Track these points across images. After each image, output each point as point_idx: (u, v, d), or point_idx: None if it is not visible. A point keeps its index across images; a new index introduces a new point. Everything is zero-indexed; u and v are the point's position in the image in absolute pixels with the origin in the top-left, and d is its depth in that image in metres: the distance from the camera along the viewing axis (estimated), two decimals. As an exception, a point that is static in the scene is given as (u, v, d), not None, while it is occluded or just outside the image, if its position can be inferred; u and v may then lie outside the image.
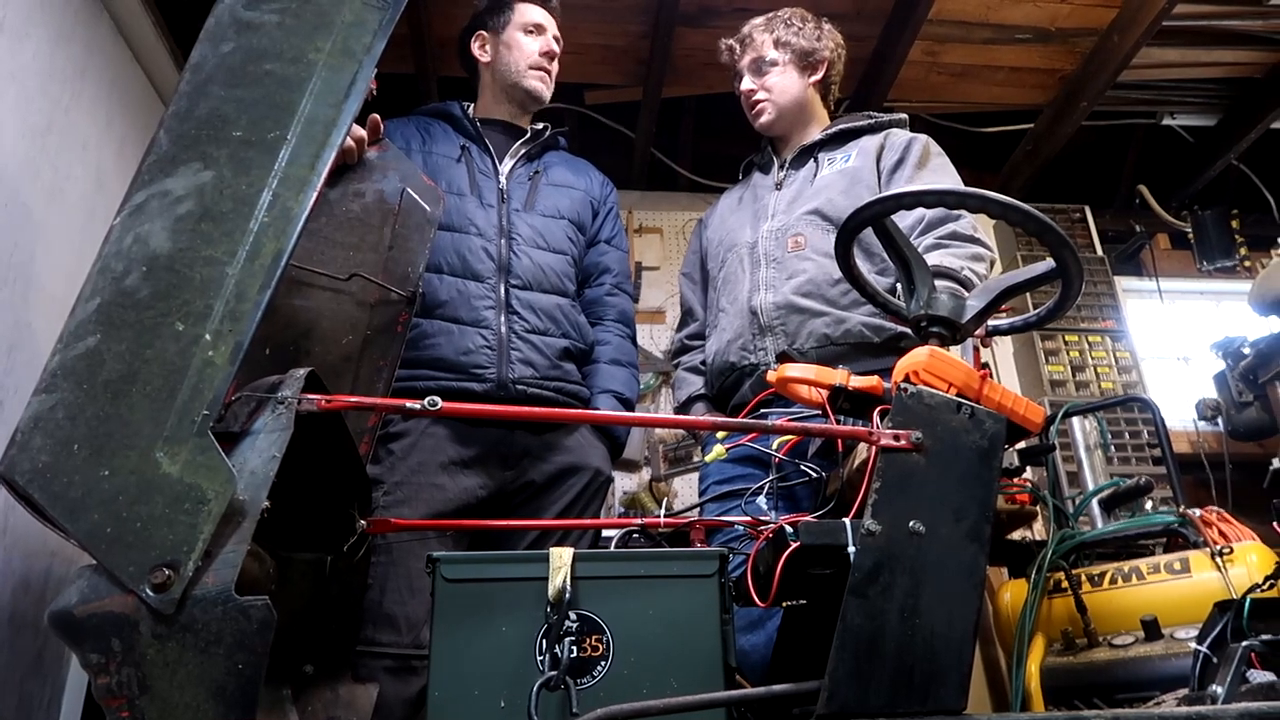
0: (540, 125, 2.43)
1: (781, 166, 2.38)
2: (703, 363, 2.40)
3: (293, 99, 1.27)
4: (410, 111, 2.41)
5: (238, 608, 0.99)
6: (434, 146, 2.26)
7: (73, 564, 2.03)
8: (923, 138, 2.26)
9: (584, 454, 2.17)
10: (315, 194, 1.22)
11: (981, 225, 2.11)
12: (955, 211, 2.03)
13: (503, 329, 2.10)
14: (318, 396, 1.19)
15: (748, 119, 2.44)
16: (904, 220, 2.10)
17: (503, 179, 2.28)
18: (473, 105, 2.43)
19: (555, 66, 2.42)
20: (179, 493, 1.03)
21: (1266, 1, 3.36)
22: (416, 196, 1.81)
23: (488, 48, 2.40)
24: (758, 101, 2.37)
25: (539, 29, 2.39)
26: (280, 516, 1.17)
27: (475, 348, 2.06)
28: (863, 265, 2.06)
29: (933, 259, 1.96)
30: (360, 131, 1.77)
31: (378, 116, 1.81)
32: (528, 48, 2.37)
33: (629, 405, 2.32)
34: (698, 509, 1.93)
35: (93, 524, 1.01)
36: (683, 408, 2.42)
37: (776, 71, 2.36)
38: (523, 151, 2.35)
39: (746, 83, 2.38)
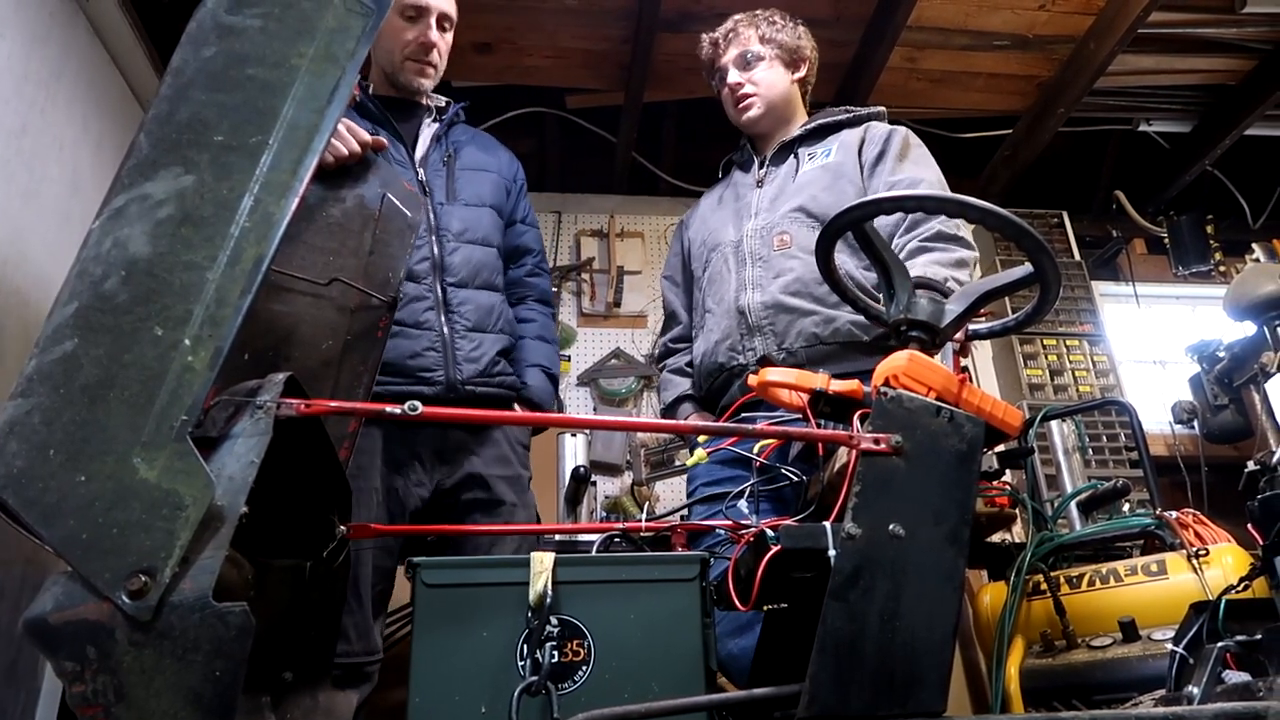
0: (443, 101, 2.31)
1: (762, 164, 2.37)
2: (688, 364, 2.39)
3: (275, 104, 1.26)
4: None
5: (215, 614, 0.98)
6: None
7: (48, 571, 2.01)
8: (902, 130, 2.26)
9: (513, 454, 2.18)
10: (297, 199, 1.22)
11: (963, 223, 2.11)
12: None
13: (444, 330, 2.08)
14: (297, 401, 1.18)
15: (729, 115, 2.41)
16: (888, 218, 2.11)
17: (419, 169, 2.19)
18: (371, 84, 2.28)
19: (437, 56, 2.23)
20: (156, 498, 1.02)
21: (1240, 10, 3.40)
22: (397, 202, 1.81)
23: None
24: (746, 95, 2.33)
25: (421, 13, 2.18)
26: (259, 522, 1.17)
27: (421, 350, 2.04)
28: (849, 261, 2.08)
29: (917, 267, 1.97)
30: (365, 136, 1.77)
31: (383, 140, 1.82)
32: (403, 36, 2.18)
33: (554, 380, 2.32)
34: (680, 512, 1.93)
35: (68, 530, 1.00)
36: (669, 409, 2.41)
37: (764, 66, 2.34)
38: (430, 133, 2.25)
39: (734, 76, 2.34)
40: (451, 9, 2.26)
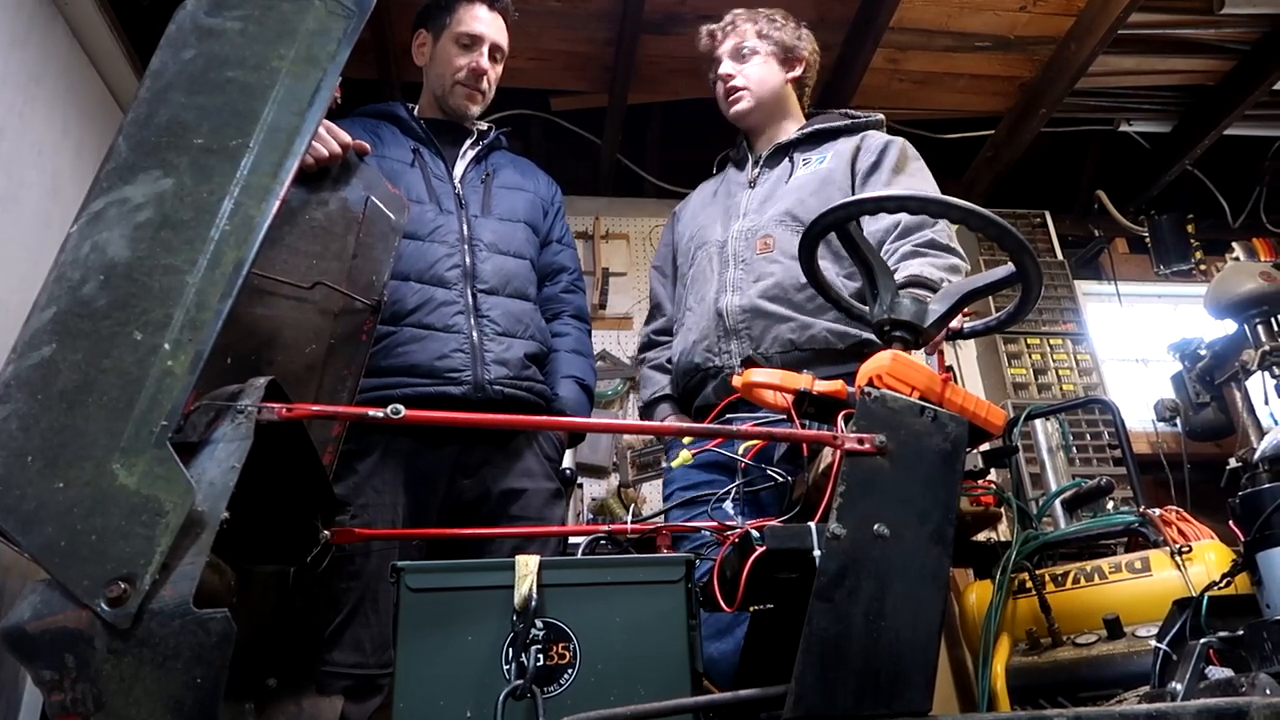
0: (485, 125, 2.41)
1: (756, 164, 2.37)
2: (668, 360, 2.39)
3: (255, 106, 1.25)
4: (351, 112, 2.33)
5: (196, 621, 0.97)
6: (386, 151, 2.22)
7: (26, 579, 1.99)
8: (899, 141, 2.26)
9: (539, 467, 2.18)
10: (278, 202, 1.21)
11: (954, 234, 2.11)
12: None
13: (474, 333, 2.09)
14: (278, 405, 1.17)
15: (721, 107, 2.41)
16: (879, 224, 2.11)
17: (457, 183, 2.26)
18: (416, 105, 2.40)
19: (487, 84, 2.34)
20: (136, 505, 1.01)
21: (1219, 11, 3.43)
22: (381, 205, 1.80)
23: (425, 50, 2.36)
24: (736, 88, 2.35)
25: (475, 41, 2.30)
26: (241, 528, 1.16)
27: (449, 352, 2.05)
28: (831, 269, 2.08)
29: (911, 268, 1.97)
30: (346, 137, 1.77)
31: (364, 144, 1.83)
32: (456, 62, 2.29)
33: (590, 392, 2.33)
34: (664, 515, 1.93)
35: (46, 537, 0.99)
36: (647, 408, 2.42)
37: (758, 61, 2.35)
38: (471, 154, 2.34)
39: (727, 67, 2.36)
40: (504, 41, 2.37)
